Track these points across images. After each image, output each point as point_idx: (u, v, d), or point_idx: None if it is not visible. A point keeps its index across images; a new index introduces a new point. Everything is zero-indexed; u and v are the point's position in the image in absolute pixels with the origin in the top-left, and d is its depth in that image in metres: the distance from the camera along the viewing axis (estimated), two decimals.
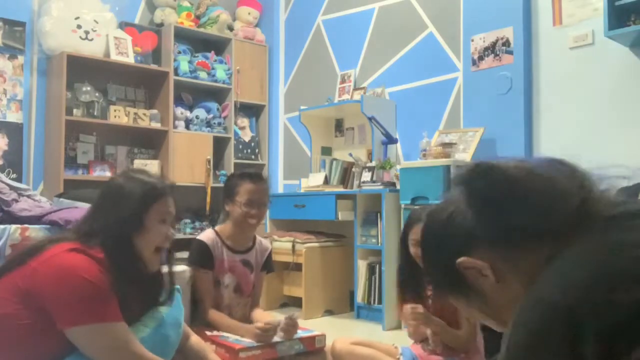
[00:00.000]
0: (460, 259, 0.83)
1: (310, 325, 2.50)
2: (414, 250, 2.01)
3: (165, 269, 1.65)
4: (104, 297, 1.35)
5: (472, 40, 3.72)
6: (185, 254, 2.80)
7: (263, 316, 2.28)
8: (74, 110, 4.28)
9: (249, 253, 2.32)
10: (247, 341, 1.99)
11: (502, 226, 0.80)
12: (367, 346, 2.09)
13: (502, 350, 0.72)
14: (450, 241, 0.85)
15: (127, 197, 1.48)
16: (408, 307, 2.00)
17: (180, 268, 2.21)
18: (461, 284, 0.85)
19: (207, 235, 2.27)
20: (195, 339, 1.76)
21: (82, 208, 2.06)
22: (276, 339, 2.04)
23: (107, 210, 1.49)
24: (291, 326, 2.05)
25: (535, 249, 0.78)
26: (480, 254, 0.82)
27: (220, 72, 4.95)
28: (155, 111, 4.64)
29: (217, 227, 2.33)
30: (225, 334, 2.07)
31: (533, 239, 0.78)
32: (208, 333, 2.04)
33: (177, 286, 1.69)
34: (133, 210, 1.47)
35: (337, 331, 2.48)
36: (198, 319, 2.16)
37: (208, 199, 4.73)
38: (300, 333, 2.12)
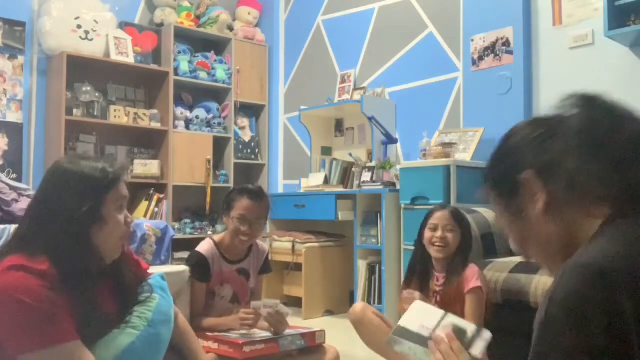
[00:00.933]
0: (527, 174, 0.83)
1: (310, 326, 2.51)
2: (429, 234, 2.14)
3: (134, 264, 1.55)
4: (47, 318, 1.19)
5: (472, 40, 3.72)
6: (185, 254, 2.80)
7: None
8: (74, 110, 4.28)
9: (245, 261, 2.33)
10: (254, 337, 2.01)
11: (585, 173, 0.80)
12: (384, 322, 2.26)
13: (540, 314, 0.75)
14: (531, 152, 0.85)
15: (78, 189, 1.30)
16: (405, 292, 2.11)
17: (180, 268, 2.21)
18: (510, 191, 0.87)
19: (205, 247, 2.25)
20: (181, 319, 1.68)
21: None
22: (262, 334, 2.05)
23: (54, 206, 1.29)
24: (277, 320, 2.06)
25: (597, 207, 0.80)
26: (546, 181, 0.82)
27: (220, 72, 4.95)
28: (155, 111, 4.64)
29: (215, 237, 2.32)
30: (226, 333, 2.08)
31: (601, 198, 0.79)
32: (209, 334, 2.05)
33: (161, 273, 1.59)
34: (88, 203, 1.28)
35: (337, 331, 2.47)
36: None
37: (208, 199, 4.73)
38: (300, 330, 2.14)
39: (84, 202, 1.29)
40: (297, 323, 2.74)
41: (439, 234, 2.13)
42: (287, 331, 2.11)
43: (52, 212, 1.29)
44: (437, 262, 2.18)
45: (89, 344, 1.28)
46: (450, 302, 2.08)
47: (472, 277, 2.09)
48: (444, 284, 2.16)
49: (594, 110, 0.83)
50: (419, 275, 2.20)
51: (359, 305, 2.34)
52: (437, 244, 2.13)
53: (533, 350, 0.76)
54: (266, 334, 2.06)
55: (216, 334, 2.05)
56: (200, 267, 2.21)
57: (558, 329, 0.72)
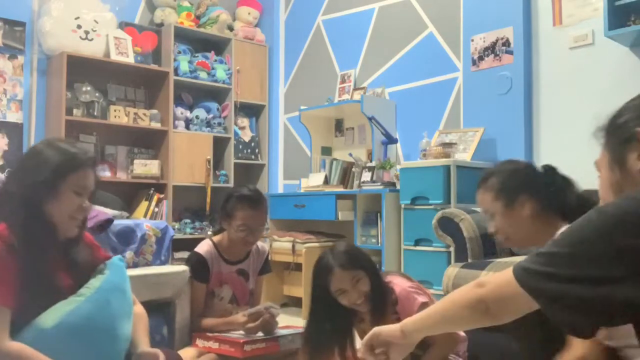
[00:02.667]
0: None
1: None
2: (344, 300, 1.79)
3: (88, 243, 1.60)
4: None
5: (472, 40, 3.72)
6: (185, 254, 2.80)
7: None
8: (74, 110, 4.28)
9: (245, 262, 2.33)
10: (254, 337, 2.01)
11: None
12: None
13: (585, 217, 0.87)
14: None
15: (44, 163, 1.43)
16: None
17: (180, 268, 2.21)
18: (620, 144, 0.98)
19: (204, 248, 2.25)
20: (138, 307, 1.66)
21: None
22: (261, 333, 2.06)
23: (21, 175, 1.45)
24: (269, 323, 2.06)
25: None
26: None
27: (220, 72, 4.95)
28: (155, 111, 4.64)
29: (214, 238, 2.32)
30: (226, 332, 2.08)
31: None
32: (209, 334, 2.05)
33: (119, 256, 1.64)
34: (47, 176, 1.41)
35: None
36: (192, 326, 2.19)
37: (208, 199, 4.73)
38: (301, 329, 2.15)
39: (45, 173, 1.41)
40: (297, 323, 2.74)
41: (353, 296, 1.78)
42: (288, 330, 2.11)
43: (15, 181, 1.44)
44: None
45: (37, 311, 1.36)
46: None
47: (406, 295, 1.80)
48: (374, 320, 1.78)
49: None
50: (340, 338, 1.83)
51: None
52: (359, 303, 1.78)
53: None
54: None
55: (216, 333, 2.05)
56: (199, 267, 2.21)
57: (584, 223, 0.85)
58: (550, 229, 1.49)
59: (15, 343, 1.32)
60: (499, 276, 0.97)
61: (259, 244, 2.41)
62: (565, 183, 1.60)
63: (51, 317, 1.37)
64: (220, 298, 2.26)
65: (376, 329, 1.20)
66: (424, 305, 1.75)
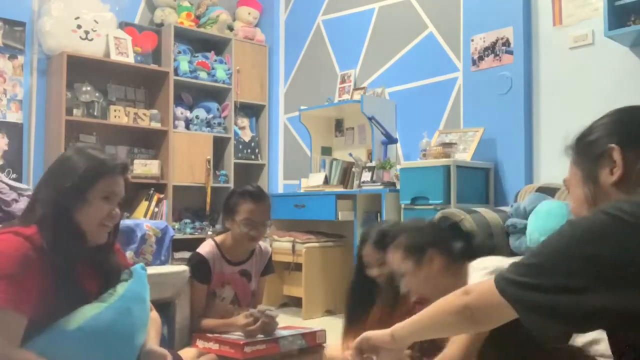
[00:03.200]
0: (615, 146, 0.98)
1: (310, 326, 2.50)
2: (378, 271, 1.90)
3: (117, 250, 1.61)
4: (9, 277, 1.27)
5: (472, 40, 3.72)
6: (185, 254, 2.80)
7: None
8: (74, 110, 4.28)
9: (247, 262, 2.32)
10: (255, 338, 2.01)
11: None
12: None
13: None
14: (626, 128, 1.01)
15: (72, 170, 1.44)
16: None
17: (180, 268, 2.21)
18: (592, 160, 1.02)
19: (206, 248, 2.24)
20: (154, 313, 1.67)
21: None
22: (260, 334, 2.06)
23: (51, 182, 1.46)
24: (269, 325, 2.06)
25: None
26: (628, 158, 0.97)
27: (220, 72, 4.95)
28: (155, 111, 4.64)
29: (217, 238, 2.31)
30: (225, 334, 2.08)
31: None
32: (210, 335, 2.05)
33: (141, 264, 1.63)
34: (76, 183, 1.42)
35: (337, 331, 2.48)
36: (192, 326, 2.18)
37: (208, 199, 4.74)
38: (301, 330, 2.15)
39: (73, 180, 1.42)
40: (297, 323, 2.75)
41: (374, 272, 1.91)
42: (288, 331, 2.11)
43: (46, 186, 1.45)
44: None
45: (62, 314, 1.35)
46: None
47: None
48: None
49: None
50: (364, 303, 1.95)
51: (329, 347, 2.08)
52: (379, 279, 1.91)
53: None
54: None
55: (217, 334, 2.05)
56: (200, 268, 2.20)
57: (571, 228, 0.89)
58: (462, 278, 1.48)
59: (26, 352, 1.30)
60: (483, 284, 1.02)
61: (262, 244, 2.41)
62: (468, 235, 1.65)
63: (74, 320, 1.36)
64: (221, 299, 2.26)
65: (366, 334, 1.23)
66: None
